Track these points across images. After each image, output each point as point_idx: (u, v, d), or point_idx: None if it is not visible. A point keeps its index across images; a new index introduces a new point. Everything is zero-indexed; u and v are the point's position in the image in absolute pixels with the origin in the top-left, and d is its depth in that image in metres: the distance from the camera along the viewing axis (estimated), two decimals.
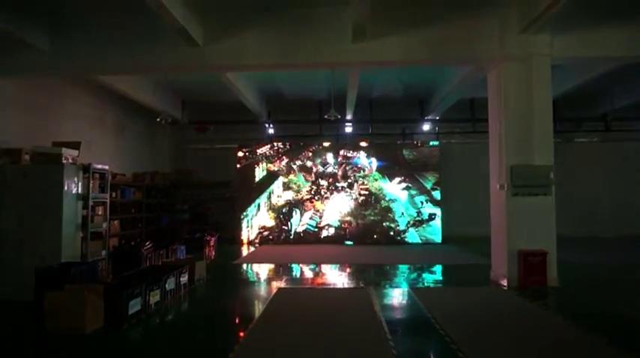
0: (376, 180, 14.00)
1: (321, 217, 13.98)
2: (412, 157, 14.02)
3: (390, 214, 13.84)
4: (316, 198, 14.07)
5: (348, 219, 13.89)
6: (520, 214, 7.10)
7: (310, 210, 14.06)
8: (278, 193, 14.20)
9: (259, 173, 14.24)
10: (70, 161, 7.02)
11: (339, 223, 13.84)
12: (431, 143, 14.12)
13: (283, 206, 14.04)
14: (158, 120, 12.44)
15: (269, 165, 14.25)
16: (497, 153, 7.50)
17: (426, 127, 13.95)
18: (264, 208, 14.10)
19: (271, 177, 14.25)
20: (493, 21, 7.18)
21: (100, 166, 7.68)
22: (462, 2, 7.16)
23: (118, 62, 7.68)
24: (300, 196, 14.08)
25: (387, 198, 13.94)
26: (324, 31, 7.26)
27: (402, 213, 13.81)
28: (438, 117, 13.62)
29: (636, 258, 10.25)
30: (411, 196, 13.87)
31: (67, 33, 7.48)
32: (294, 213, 14.01)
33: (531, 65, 7.16)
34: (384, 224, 13.77)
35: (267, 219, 14.02)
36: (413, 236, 13.61)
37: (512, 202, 7.14)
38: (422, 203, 13.85)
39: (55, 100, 9.56)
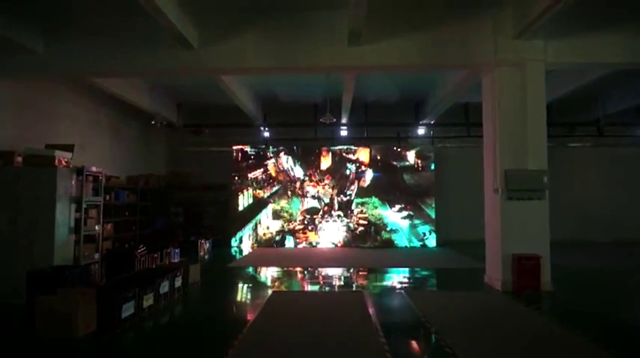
0: (376, 207, 13.18)
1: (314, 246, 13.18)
2: (413, 182, 13.28)
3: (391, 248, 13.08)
4: (309, 227, 13.08)
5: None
6: (514, 218, 7.12)
7: (303, 241, 13.20)
8: (266, 223, 13.16)
9: (244, 200, 13.10)
10: (64, 163, 6.99)
11: None
12: (432, 167, 13.66)
13: (271, 238, 13.28)
14: (153, 122, 12.41)
15: (257, 191, 13.26)
16: (492, 157, 7.53)
17: (421, 131, 13.96)
18: (247, 241, 13.24)
19: (259, 204, 13.19)
20: (488, 26, 7.24)
21: (93, 169, 7.66)
22: (457, 7, 7.20)
23: (114, 65, 7.63)
24: (292, 225, 13.27)
25: (387, 228, 13.15)
26: (321, 35, 7.27)
27: (406, 247, 13.02)
28: (432, 122, 13.65)
29: (629, 262, 10.31)
30: (413, 226, 13.09)
31: (62, 35, 7.45)
32: (286, 241, 13.34)
33: (525, 70, 7.21)
34: None
35: None
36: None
37: (507, 206, 7.17)
38: (424, 234, 13.12)
39: (50, 102, 9.51)
